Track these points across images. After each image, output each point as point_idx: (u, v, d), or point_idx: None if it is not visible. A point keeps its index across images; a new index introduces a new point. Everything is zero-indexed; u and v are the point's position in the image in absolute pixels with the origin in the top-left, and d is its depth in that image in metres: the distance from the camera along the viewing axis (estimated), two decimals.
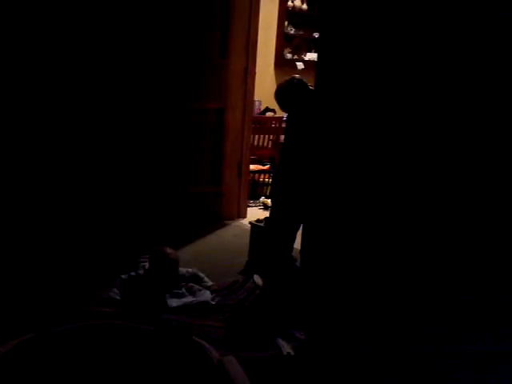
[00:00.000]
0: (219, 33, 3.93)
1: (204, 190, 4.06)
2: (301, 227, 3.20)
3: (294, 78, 3.17)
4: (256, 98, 4.67)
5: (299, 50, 6.78)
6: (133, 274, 2.89)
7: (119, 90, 3.40)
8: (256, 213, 4.54)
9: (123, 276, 2.85)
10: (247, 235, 3.50)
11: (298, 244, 3.66)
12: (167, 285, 2.84)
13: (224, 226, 4.12)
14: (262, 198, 4.96)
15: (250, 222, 3.47)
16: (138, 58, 3.46)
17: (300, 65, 6.68)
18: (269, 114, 6.09)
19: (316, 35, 6.45)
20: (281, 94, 3.16)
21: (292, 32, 6.65)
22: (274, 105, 6.33)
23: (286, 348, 2.36)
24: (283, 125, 5.52)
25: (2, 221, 3.01)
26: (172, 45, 3.63)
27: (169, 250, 2.88)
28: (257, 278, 3.12)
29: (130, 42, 3.41)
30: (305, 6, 6.61)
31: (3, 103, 2.89)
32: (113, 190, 3.46)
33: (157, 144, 3.65)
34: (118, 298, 2.72)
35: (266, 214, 4.42)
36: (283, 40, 6.56)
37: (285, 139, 3.43)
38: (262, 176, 5.15)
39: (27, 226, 3.09)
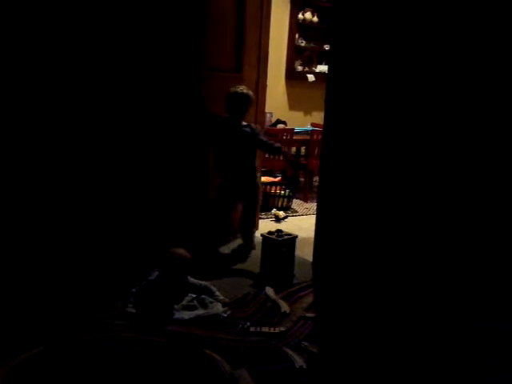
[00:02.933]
0: (235, 46, 3.94)
1: None
2: None
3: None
4: (267, 110, 4.68)
5: (310, 63, 6.81)
6: (144, 283, 2.91)
7: (137, 101, 3.39)
8: (267, 224, 4.54)
9: (134, 289, 2.88)
10: (259, 247, 3.50)
11: (310, 256, 3.66)
12: (178, 284, 2.87)
13: (236, 238, 4.11)
14: (274, 210, 4.96)
15: (262, 234, 3.46)
16: (158, 69, 3.46)
17: (311, 77, 6.70)
18: (280, 126, 6.12)
19: (327, 47, 6.47)
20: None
21: (303, 44, 6.69)
22: (285, 117, 6.39)
23: (299, 361, 2.35)
24: (294, 137, 5.54)
25: (16, 232, 3.03)
26: (190, 58, 3.62)
27: (180, 250, 2.93)
28: (269, 291, 3.11)
29: (153, 54, 3.40)
30: (315, 19, 6.65)
31: (3, 103, 2.91)
32: (124, 203, 3.46)
33: (169, 155, 3.63)
34: (133, 311, 2.73)
35: (278, 225, 4.43)
36: (294, 52, 6.60)
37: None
38: (274, 188, 5.15)
39: (43, 236, 3.11)
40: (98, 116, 3.24)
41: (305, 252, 3.70)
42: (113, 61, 3.23)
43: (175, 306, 2.77)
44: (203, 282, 3.01)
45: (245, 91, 3.46)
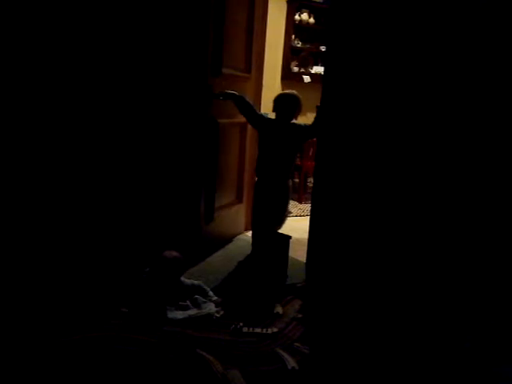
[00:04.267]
0: (245, 48, 3.95)
1: None
2: None
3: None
4: (262, 111, 4.68)
5: (306, 64, 6.81)
6: (138, 282, 2.91)
7: (151, 107, 3.37)
8: None
9: (127, 289, 2.88)
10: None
11: (303, 257, 3.66)
12: (170, 283, 2.87)
13: (231, 240, 4.12)
14: None
15: None
16: (178, 73, 3.45)
17: (307, 78, 6.71)
18: None
19: (323, 49, 6.48)
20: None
21: (299, 45, 6.69)
22: None
23: (291, 362, 2.35)
24: None
25: (13, 232, 3.02)
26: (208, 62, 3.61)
27: (173, 252, 2.94)
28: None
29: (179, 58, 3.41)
30: (312, 20, 6.66)
31: (4, 103, 2.89)
32: (124, 204, 3.44)
33: (174, 158, 3.58)
34: (126, 310, 2.73)
35: None
36: (290, 53, 6.59)
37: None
38: None
39: (39, 236, 3.09)
40: (103, 116, 3.23)
41: (298, 253, 3.70)
42: (139, 63, 3.27)
43: (168, 306, 2.76)
44: (196, 282, 3.01)
45: (294, 93, 3.60)
